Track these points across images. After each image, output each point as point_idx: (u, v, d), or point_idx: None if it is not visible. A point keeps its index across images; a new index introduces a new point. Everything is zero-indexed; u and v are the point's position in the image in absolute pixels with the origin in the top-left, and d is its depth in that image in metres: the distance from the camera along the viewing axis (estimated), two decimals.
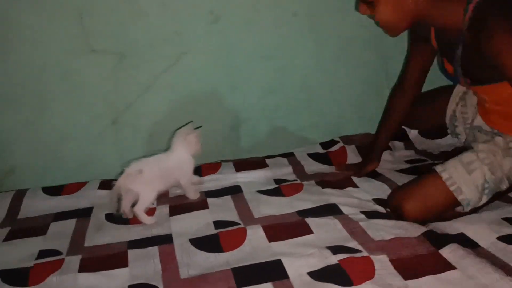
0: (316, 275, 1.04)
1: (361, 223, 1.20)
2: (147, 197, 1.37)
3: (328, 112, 1.82)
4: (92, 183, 1.57)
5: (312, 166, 1.60)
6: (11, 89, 1.58)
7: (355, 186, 1.44)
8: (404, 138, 1.73)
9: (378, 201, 1.36)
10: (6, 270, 1.16)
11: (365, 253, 1.08)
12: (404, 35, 1.78)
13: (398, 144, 1.72)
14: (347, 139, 1.73)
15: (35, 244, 1.27)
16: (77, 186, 1.56)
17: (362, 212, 1.27)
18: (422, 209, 1.24)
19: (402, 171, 1.54)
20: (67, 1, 1.52)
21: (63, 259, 1.19)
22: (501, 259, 1.05)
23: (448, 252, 1.07)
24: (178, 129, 1.48)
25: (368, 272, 1.03)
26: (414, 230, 1.17)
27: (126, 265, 1.14)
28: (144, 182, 1.36)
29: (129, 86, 1.65)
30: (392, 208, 1.30)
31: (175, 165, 1.42)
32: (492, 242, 1.11)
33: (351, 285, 1.00)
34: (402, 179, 1.46)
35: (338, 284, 1.00)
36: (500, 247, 1.09)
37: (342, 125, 1.83)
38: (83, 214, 1.41)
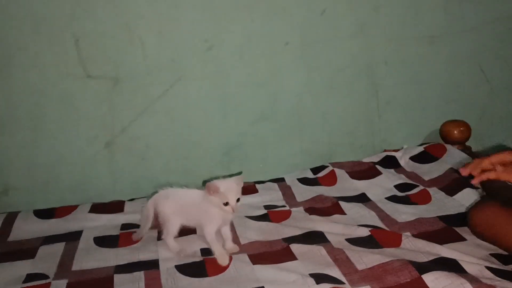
0: None
1: (345, 250, 1.21)
2: (169, 226, 1.31)
3: (319, 139, 1.84)
4: (83, 206, 1.58)
5: (302, 192, 1.61)
6: (7, 111, 1.61)
7: (342, 213, 1.45)
8: (395, 165, 1.75)
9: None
10: None
11: (348, 286, 1.08)
12: (394, 59, 1.83)
13: (389, 170, 1.73)
14: (338, 165, 1.75)
15: (23, 267, 1.27)
16: (69, 210, 1.57)
17: (347, 240, 1.28)
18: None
19: (392, 199, 1.54)
20: (64, 27, 1.56)
21: (49, 283, 1.19)
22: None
23: (431, 279, 1.06)
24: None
25: None
26: (396, 254, 1.18)
27: None
28: (168, 210, 1.31)
29: (123, 110, 1.68)
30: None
31: (193, 205, 1.29)
32: (479, 269, 1.10)
33: None
34: (391, 208, 1.47)
35: None
36: (488, 276, 1.08)
37: (333, 152, 1.85)
38: (72, 237, 1.42)
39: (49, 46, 1.57)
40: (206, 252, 1.28)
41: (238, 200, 1.23)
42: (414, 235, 1.28)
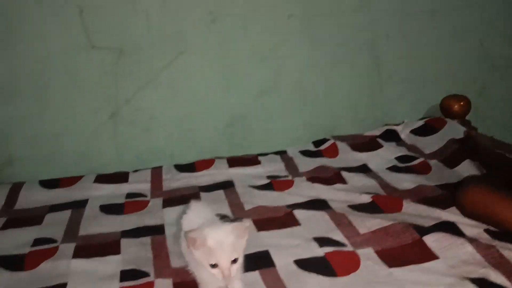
0: (301, 264, 1.07)
1: (348, 215, 1.24)
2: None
3: (321, 113, 1.85)
4: (88, 176, 1.60)
5: (304, 163, 1.63)
6: (11, 82, 1.62)
7: (344, 182, 1.47)
8: (396, 138, 1.77)
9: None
10: (2, 256, 1.19)
11: (350, 248, 1.11)
12: (396, 33, 1.83)
13: (390, 143, 1.75)
14: (339, 138, 1.76)
15: (30, 233, 1.30)
16: (74, 180, 1.59)
17: (350, 206, 1.31)
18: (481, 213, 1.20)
19: (393, 169, 1.56)
20: None
21: (57, 247, 1.22)
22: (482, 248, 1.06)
23: (432, 240, 1.09)
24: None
25: (353, 265, 1.06)
26: (397, 219, 1.20)
27: (118, 252, 1.18)
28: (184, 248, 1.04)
29: (127, 82, 1.69)
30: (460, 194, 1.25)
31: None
32: (478, 232, 1.13)
33: (335, 276, 1.03)
34: (392, 177, 1.49)
35: (323, 275, 1.04)
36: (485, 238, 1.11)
37: (335, 125, 1.87)
38: (78, 205, 1.44)
39: (53, 17, 1.57)
40: None
41: (235, 261, 0.82)
42: (414, 201, 1.31)
